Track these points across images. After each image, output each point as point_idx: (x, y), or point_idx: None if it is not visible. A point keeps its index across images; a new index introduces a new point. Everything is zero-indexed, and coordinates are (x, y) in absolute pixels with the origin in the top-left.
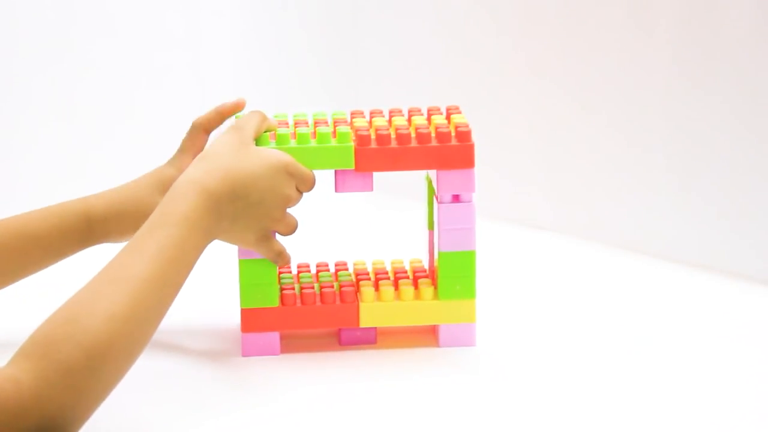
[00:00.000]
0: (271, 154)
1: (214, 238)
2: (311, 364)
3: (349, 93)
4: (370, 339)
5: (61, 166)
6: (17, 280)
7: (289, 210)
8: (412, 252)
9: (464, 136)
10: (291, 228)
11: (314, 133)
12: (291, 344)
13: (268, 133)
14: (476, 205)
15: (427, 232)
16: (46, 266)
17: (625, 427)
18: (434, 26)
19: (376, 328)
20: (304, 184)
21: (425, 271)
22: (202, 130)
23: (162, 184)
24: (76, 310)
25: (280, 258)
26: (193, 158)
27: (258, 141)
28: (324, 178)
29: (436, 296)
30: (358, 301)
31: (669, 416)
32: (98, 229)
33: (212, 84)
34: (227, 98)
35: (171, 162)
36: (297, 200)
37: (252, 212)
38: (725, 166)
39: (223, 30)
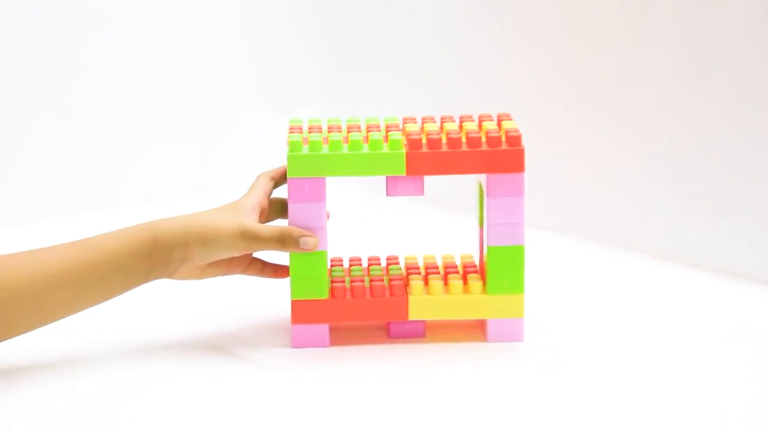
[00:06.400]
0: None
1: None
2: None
3: (350, 93)
4: (418, 332)
5: (59, 166)
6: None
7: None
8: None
9: (514, 140)
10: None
11: (366, 138)
12: (340, 336)
13: (320, 138)
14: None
15: (477, 229)
16: (120, 291)
17: (627, 426)
18: (434, 28)
19: (425, 321)
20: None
21: (475, 266)
22: (268, 177)
23: (233, 210)
24: None
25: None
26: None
27: (311, 146)
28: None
29: (484, 291)
30: (407, 294)
31: (669, 415)
32: (161, 244)
33: (212, 84)
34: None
35: (245, 197)
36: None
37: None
38: (725, 166)
39: (224, 30)
